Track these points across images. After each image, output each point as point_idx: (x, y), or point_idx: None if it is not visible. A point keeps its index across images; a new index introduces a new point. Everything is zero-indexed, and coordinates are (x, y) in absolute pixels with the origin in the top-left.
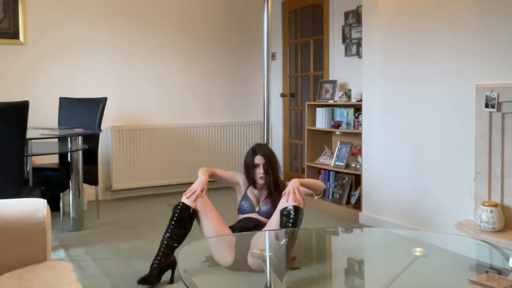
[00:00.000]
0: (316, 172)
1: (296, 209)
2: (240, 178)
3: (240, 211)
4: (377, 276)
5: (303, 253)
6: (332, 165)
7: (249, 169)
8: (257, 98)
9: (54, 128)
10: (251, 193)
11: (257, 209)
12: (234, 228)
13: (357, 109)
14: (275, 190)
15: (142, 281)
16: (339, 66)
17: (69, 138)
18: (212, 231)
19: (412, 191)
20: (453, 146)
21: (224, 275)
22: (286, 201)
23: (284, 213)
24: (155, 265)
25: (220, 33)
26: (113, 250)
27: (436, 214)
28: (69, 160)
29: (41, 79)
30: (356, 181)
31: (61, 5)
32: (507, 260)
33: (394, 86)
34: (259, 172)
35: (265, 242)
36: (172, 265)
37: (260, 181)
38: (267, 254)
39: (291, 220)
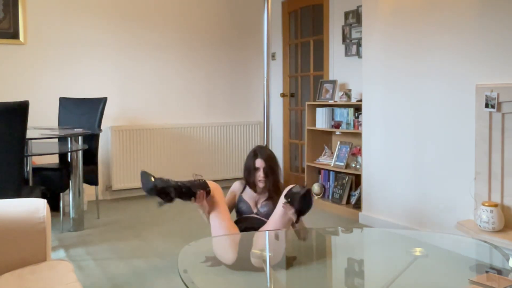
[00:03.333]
0: (316, 172)
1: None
2: (235, 188)
3: (239, 214)
4: (377, 276)
5: (303, 253)
6: (332, 165)
7: (249, 171)
8: (257, 98)
9: (54, 128)
10: (248, 195)
11: (255, 210)
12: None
13: (357, 109)
14: (274, 193)
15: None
16: (339, 66)
17: (69, 138)
18: (221, 226)
19: (412, 191)
20: (453, 146)
21: (225, 275)
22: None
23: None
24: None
25: (220, 33)
26: (113, 250)
27: (436, 214)
28: (69, 160)
29: (41, 79)
30: (356, 181)
31: (61, 5)
32: (507, 260)
33: (394, 86)
34: (259, 175)
35: (266, 241)
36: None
37: (260, 185)
38: (267, 254)
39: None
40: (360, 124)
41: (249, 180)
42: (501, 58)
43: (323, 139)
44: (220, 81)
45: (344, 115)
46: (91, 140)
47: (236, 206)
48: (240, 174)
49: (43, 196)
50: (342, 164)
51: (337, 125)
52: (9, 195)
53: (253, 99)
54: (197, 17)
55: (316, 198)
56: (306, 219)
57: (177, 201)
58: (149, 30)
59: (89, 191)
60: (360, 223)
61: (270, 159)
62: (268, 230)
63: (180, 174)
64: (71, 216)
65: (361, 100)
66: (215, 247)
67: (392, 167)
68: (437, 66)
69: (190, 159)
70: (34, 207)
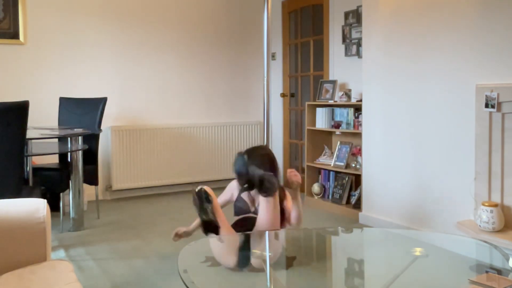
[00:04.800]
0: (316, 172)
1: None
2: (233, 186)
3: (236, 213)
4: (377, 276)
5: (303, 253)
6: (332, 165)
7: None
8: (257, 98)
9: (54, 128)
10: (245, 195)
11: (252, 209)
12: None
13: (357, 109)
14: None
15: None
16: (339, 66)
17: (69, 138)
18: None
19: (412, 191)
20: (453, 146)
21: (224, 275)
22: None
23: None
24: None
25: (220, 33)
26: (113, 250)
27: (436, 214)
28: (69, 160)
29: (41, 79)
30: (356, 181)
31: (61, 5)
32: (507, 260)
33: (394, 86)
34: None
35: (265, 242)
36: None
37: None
38: (267, 254)
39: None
40: (360, 124)
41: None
42: (501, 58)
43: (323, 139)
44: (220, 81)
45: (344, 115)
46: (91, 140)
47: (234, 205)
48: None
49: (43, 196)
50: (342, 164)
51: (337, 125)
52: (9, 195)
53: (253, 99)
54: (197, 17)
55: (316, 198)
56: (307, 219)
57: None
58: (149, 30)
59: (89, 191)
60: (360, 223)
61: (271, 162)
62: (263, 230)
63: (180, 174)
64: (71, 216)
65: (361, 100)
66: (214, 251)
67: (392, 167)
68: (437, 66)
69: (190, 159)
70: (34, 207)
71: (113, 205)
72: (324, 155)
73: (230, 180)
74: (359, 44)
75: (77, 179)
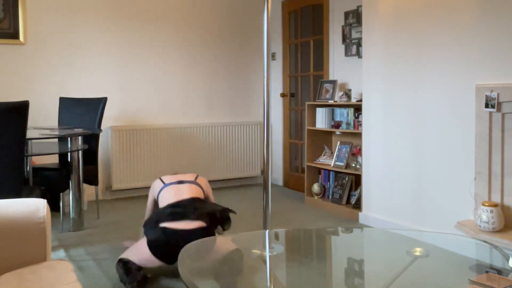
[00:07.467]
0: (316, 172)
1: None
2: (154, 190)
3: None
4: (377, 276)
5: (303, 253)
6: (332, 165)
7: None
8: (257, 98)
9: (54, 128)
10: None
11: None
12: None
13: (357, 109)
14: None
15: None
16: (339, 66)
17: (69, 138)
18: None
19: (412, 191)
20: (453, 146)
21: (225, 276)
22: None
23: None
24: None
25: (220, 33)
26: (113, 250)
27: (436, 214)
28: (69, 160)
29: (41, 79)
30: (356, 181)
31: (61, 5)
32: (507, 260)
33: (394, 86)
34: None
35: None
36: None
37: None
38: (267, 254)
39: None
40: (360, 124)
41: None
42: (501, 58)
43: (323, 139)
44: (220, 81)
45: (344, 115)
46: (91, 140)
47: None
48: (240, 173)
49: (43, 196)
50: (342, 164)
51: (337, 125)
52: (9, 195)
53: (253, 99)
54: (197, 17)
55: (316, 198)
56: (307, 219)
57: None
58: (149, 30)
59: (89, 191)
60: (360, 223)
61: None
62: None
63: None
64: (71, 216)
65: (361, 100)
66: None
67: (392, 167)
68: (437, 66)
69: (190, 159)
70: (34, 207)
71: (113, 205)
72: (324, 155)
73: (229, 180)
74: (359, 44)
75: (77, 179)
